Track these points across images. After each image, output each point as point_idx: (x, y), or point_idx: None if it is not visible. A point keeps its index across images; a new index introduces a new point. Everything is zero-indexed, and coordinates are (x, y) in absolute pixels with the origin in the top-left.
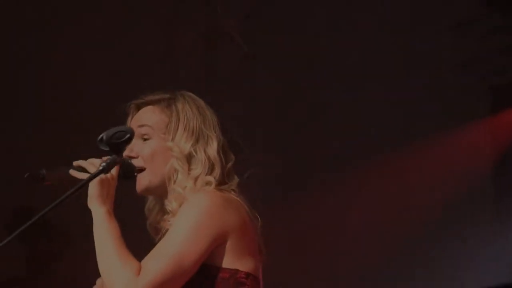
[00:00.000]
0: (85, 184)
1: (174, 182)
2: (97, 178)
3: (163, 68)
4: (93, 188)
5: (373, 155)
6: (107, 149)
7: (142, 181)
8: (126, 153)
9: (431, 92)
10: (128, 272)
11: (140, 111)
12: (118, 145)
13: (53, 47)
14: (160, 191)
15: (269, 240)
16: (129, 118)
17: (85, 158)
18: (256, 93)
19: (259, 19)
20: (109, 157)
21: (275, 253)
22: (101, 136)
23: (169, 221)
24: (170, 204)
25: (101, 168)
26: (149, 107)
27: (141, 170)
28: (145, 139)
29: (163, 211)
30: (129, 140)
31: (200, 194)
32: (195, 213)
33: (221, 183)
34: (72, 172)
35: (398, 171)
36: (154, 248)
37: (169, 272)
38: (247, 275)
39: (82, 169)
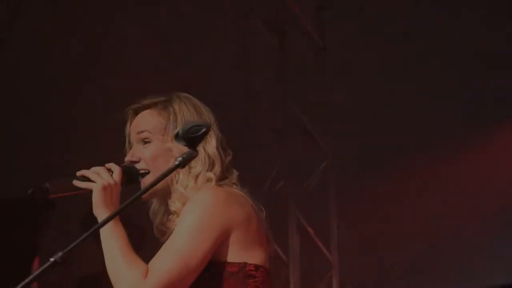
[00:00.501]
0: (155, 184)
1: (177, 182)
2: (100, 186)
3: (236, 63)
4: (97, 195)
5: (445, 144)
6: (183, 144)
7: (147, 183)
8: (127, 158)
9: None
10: (135, 275)
11: (138, 116)
12: (194, 139)
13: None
14: (164, 193)
15: (345, 228)
16: (128, 124)
17: None
18: (329, 85)
19: (331, 10)
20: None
21: (351, 241)
22: (177, 131)
23: (174, 221)
24: (174, 204)
25: (177, 163)
26: (146, 111)
27: (145, 173)
28: (145, 143)
29: (168, 212)
30: (205, 133)
31: (202, 192)
32: (199, 211)
33: (221, 178)
34: (76, 182)
35: (472, 159)
36: (161, 249)
37: (177, 272)
38: (256, 267)
39: (86, 179)
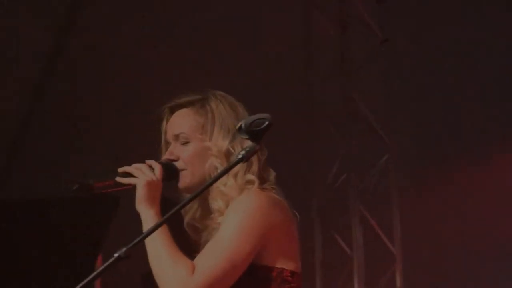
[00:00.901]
0: (219, 178)
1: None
2: (144, 181)
3: (299, 56)
4: (141, 191)
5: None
6: (246, 137)
7: (184, 179)
8: (166, 156)
9: None
10: (181, 271)
11: (175, 116)
12: (257, 132)
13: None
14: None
15: (407, 221)
16: (164, 122)
17: None
18: (390, 77)
19: (391, 2)
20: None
21: (415, 234)
22: (240, 124)
23: (217, 219)
24: (216, 202)
25: (240, 156)
26: (183, 110)
27: (182, 170)
28: (183, 143)
29: (203, 209)
30: (269, 127)
31: (247, 195)
32: (245, 213)
33: (261, 179)
34: (119, 178)
35: None
36: (206, 247)
37: (222, 270)
38: (292, 273)
39: (128, 175)
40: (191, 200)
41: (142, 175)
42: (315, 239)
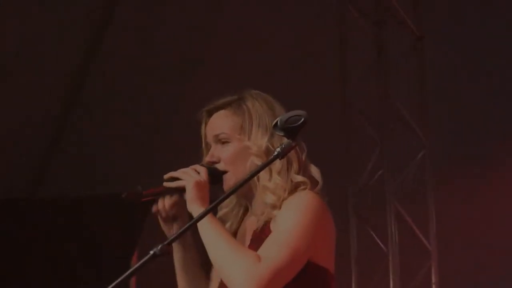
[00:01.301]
0: (257, 173)
1: (258, 178)
2: (193, 182)
3: (335, 55)
4: (191, 191)
5: None
6: (281, 134)
7: (228, 182)
8: (207, 159)
9: None
10: (248, 259)
11: (213, 118)
12: (293, 129)
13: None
14: (243, 189)
15: (442, 218)
16: (202, 126)
17: None
18: (426, 75)
19: (427, 0)
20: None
21: (450, 231)
22: (275, 121)
23: (270, 213)
24: (268, 197)
25: (276, 153)
26: (221, 112)
27: (225, 173)
28: (223, 143)
29: (240, 204)
30: (305, 123)
31: (304, 195)
32: (303, 211)
33: (312, 182)
34: (167, 183)
35: None
36: (269, 239)
37: (286, 261)
38: (332, 276)
39: (175, 179)
40: (231, 194)
41: (189, 177)
42: (350, 236)
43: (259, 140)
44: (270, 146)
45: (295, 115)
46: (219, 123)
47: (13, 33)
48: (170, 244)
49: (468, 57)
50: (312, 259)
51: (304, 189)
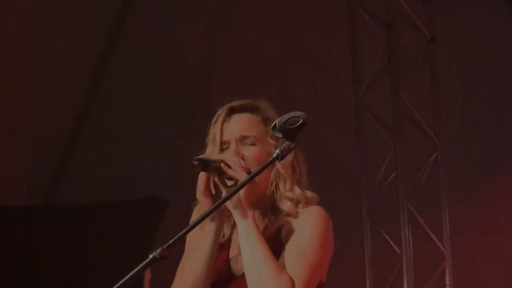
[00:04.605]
0: (264, 168)
1: (276, 186)
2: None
3: (345, 55)
4: (246, 189)
5: None
6: (280, 135)
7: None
8: (233, 155)
9: None
10: (285, 281)
11: (240, 117)
12: (291, 131)
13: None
14: (256, 193)
15: (455, 220)
16: (220, 120)
17: None
18: (438, 77)
19: (438, 0)
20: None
21: (464, 232)
22: (274, 123)
23: (286, 218)
24: (286, 205)
25: (274, 155)
26: (248, 115)
27: (248, 171)
28: (250, 145)
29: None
30: (303, 125)
31: (320, 210)
32: (322, 229)
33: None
34: (224, 167)
35: None
36: (293, 255)
37: (310, 277)
38: (323, 284)
39: (229, 167)
40: (235, 192)
41: (244, 173)
42: (364, 239)
43: None
44: (295, 162)
45: (293, 117)
46: (247, 125)
47: (26, 35)
48: (169, 248)
49: (480, 58)
50: (320, 275)
51: (312, 204)
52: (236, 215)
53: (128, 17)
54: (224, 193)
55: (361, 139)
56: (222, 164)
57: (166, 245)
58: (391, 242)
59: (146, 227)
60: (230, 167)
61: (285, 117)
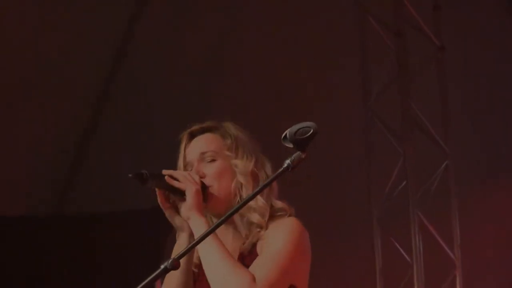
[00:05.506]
0: (262, 190)
1: (240, 197)
2: (194, 189)
3: (354, 62)
4: (192, 198)
5: None
6: (290, 146)
7: (211, 196)
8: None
9: None
10: (245, 279)
11: (199, 138)
12: (302, 141)
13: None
14: (222, 206)
15: (466, 228)
16: (182, 146)
17: None
18: (448, 85)
19: (448, 9)
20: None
21: (475, 240)
22: (284, 133)
23: (255, 231)
24: (254, 217)
25: (285, 165)
26: (208, 134)
27: (208, 187)
28: (209, 161)
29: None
30: (314, 135)
31: (292, 221)
32: (292, 237)
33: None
34: (169, 180)
35: None
36: (261, 260)
37: (277, 281)
38: None
39: (174, 179)
40: (237, 210)
41: (190, 183)
42: (375, 247)
43: (245, 162)
44: (256, 170)
45: (304, 127)
46: (206, 142)
47: (39, 43)
48: (180, 258)
49: (490, 66)
50: (291, 281)
51: (284, 215)
52: (191, 224)
53: (135, 21)
54: (180, 206)
55: (370, 147)
56: (166, 177)
57: (177, 255)
58: (402, 251)
59: (159, 236)
60: (176, 179)
61: (295, 127)
